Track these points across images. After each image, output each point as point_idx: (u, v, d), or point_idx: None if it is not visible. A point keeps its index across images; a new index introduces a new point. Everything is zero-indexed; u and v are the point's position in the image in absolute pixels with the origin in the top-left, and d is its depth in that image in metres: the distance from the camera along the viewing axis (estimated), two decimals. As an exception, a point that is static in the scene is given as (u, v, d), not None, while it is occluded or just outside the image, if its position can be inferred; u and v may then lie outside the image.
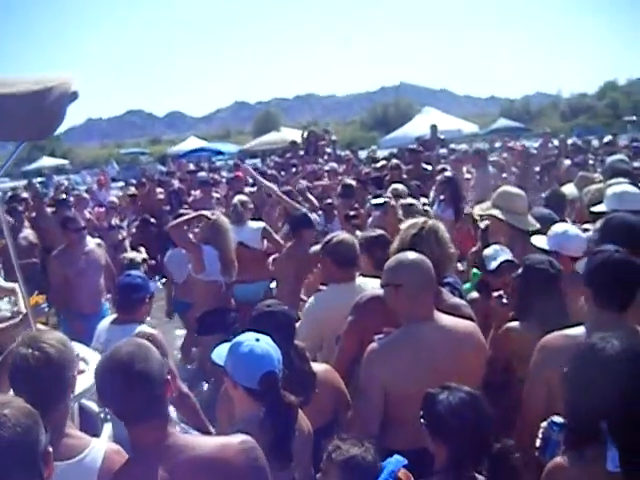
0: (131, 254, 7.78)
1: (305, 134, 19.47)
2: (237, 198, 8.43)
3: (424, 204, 7.11)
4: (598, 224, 4.70)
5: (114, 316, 4.94)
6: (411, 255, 3.60)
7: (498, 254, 4.93)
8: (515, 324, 4.10)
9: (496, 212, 5.50)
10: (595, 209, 5.32)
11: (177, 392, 4.57)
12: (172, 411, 4.74)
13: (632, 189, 5.31)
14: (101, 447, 2.79)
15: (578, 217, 6.33)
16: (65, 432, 2.75)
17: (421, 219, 4.26)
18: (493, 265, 4.88)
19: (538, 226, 5.31)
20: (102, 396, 2.59)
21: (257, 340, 3.06)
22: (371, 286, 4.48)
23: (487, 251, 5.05)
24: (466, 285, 5.60)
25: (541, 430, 3.02)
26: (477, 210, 5.70)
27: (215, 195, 12.23)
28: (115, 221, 11.36)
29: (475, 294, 5.00)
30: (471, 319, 3.93)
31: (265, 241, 8.07)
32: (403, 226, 4.26)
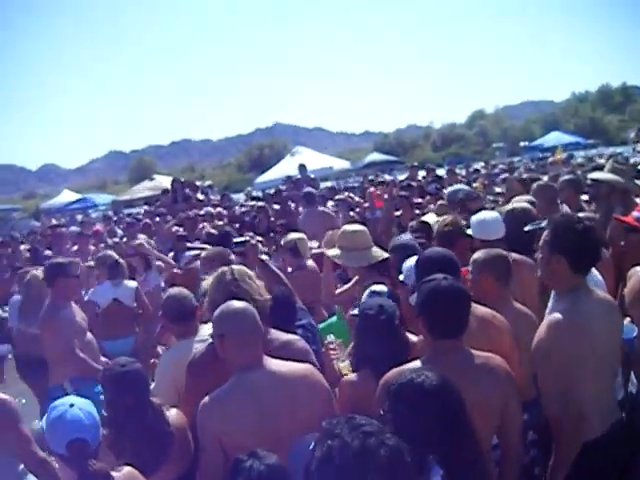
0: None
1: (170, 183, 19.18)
2: (112, 255, 8.51)
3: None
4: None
5: None
6: (234, 304, 3.55)
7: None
8: (350, 377, 4.01)
9: (334, 252, 5.66)
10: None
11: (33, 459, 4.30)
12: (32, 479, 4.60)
13: (494, 217, 5.50)
14: None
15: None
16: None
17: (225, 267, 4.23)
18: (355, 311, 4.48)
19: (384, 256, 5.47)
20: None
21: (71, 405, 3.00)
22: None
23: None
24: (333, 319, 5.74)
25: None
26: (329, 251, 5.80)
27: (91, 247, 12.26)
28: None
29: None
30: (306, 352, 3.98)
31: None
32: (211, 280, 4.19)
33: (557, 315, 3.64)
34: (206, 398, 3.40)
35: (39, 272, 7.71)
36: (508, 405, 3.39)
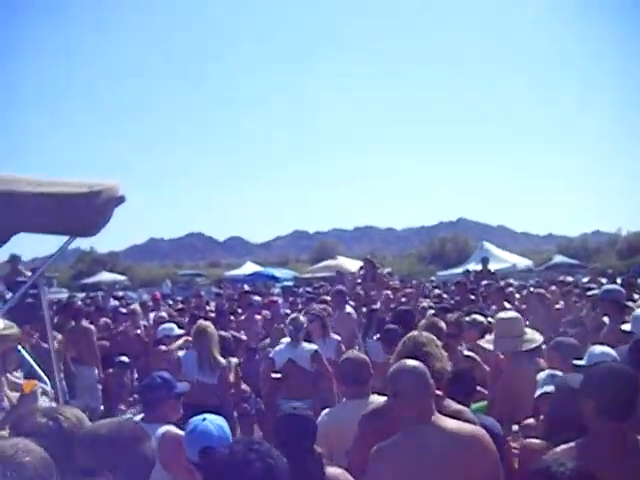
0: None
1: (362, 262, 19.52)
2: (295, 317, 8.61)
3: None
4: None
5: (142, 415, 4.99)
6: (407, 362, 3.71)
7: (546, 382, 4.57)
8: (537, 444, 3.87)
9: (488, 345, 5.80)
10: (624, 327, 5.63)
11: None
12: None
13: None
14: None
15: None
16: None
17: (416, 332, 4.55)
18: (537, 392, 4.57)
19: (534, 345, 5.55)
20: None
21: (203, 420, 3.42)
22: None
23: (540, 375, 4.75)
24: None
25: None
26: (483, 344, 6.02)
27: (258, 317, 12.76)
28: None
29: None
30: (475, 423, 3.97)
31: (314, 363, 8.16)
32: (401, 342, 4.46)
33: None
34: (379, 444, 3.60)
35: (208, 323, 8.33)
36: None
